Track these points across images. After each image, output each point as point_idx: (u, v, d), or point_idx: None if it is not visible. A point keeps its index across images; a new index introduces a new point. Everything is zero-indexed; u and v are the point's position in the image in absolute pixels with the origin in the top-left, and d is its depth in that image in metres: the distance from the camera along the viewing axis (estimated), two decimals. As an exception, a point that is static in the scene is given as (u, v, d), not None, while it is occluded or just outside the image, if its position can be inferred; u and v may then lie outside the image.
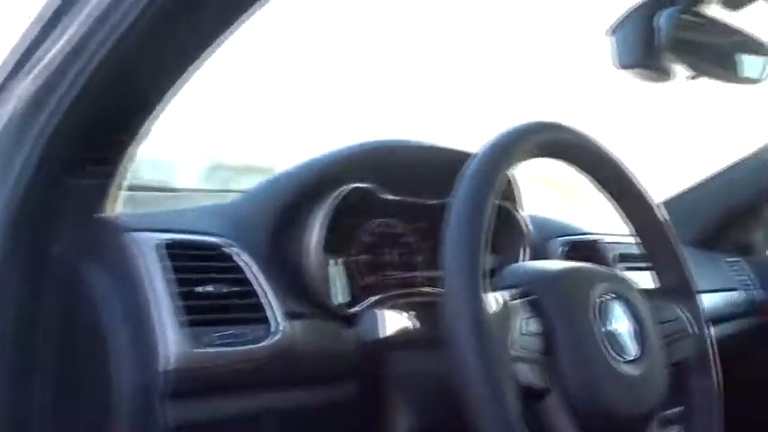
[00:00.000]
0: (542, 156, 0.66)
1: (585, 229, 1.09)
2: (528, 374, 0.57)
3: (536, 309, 0.59)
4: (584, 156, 0.69)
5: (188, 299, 0.63)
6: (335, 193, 0.74)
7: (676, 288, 0.75)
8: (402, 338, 0.66)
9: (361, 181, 0.77)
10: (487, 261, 0.99)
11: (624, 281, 0.70)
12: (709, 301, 1.22)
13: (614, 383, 0.61)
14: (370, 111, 1.57)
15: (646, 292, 0.71)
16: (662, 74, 0.75)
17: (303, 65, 1.54)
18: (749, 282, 1.38)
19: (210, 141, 1.26)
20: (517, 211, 0.92)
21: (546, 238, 1.01)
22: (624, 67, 0.72)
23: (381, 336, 0.62)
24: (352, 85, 1.61)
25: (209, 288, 0.64)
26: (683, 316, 0.73)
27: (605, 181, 0.71)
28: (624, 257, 1.05)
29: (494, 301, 0.56)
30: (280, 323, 0.67)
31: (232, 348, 0.63)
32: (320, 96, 1.53)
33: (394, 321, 0.63)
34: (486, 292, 0.56)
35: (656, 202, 0.74)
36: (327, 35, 1.59)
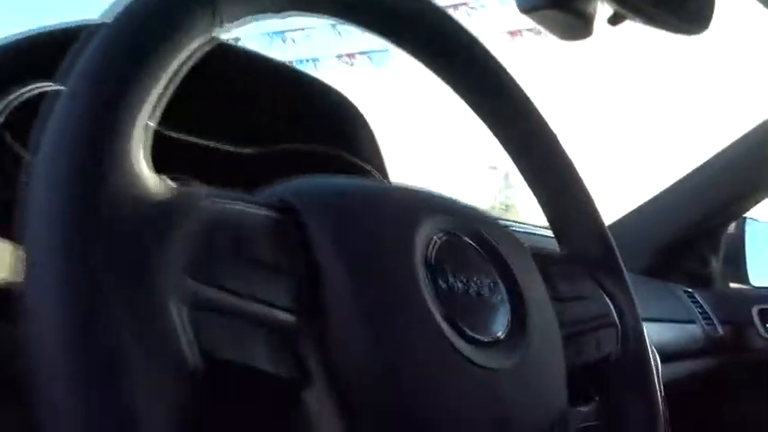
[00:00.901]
0: (296, 9, 0.32)
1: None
2: (251, 346, 0.27)
3: (294, 232, 0.29)
4: (409, 17, 0.37)
5: None
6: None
7: (593, 252, 0.46)
8: None
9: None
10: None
11: (491, 219, 0.41)
12: (662, 333, 0.98)
13: (454, 378, 0.31)
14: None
15: (543, 256, 0.42)
16: (576, 17, 0.55)
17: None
18: (707, 315, 1.13)
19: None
20: (381, 177, 0.67)
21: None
22: (529, 9, 0.53)
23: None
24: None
25: None
26: (602, 295, 0.45)
27: (452, 66, 0.42)
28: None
29: (170, 187, 0.25)
30: None
31: None
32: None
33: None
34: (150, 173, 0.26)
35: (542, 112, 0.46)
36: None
